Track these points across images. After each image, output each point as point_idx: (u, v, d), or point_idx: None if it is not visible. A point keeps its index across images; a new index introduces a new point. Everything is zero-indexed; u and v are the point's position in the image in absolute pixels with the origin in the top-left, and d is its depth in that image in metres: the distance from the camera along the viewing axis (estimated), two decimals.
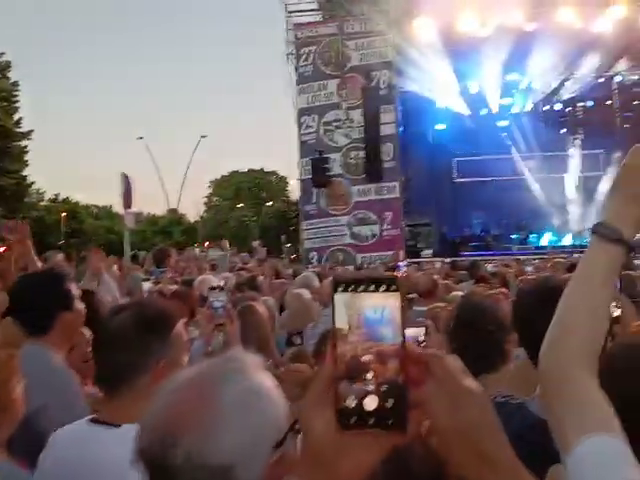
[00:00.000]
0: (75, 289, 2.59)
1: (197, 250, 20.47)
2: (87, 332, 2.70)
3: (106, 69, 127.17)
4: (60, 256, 7.01)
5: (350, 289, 0.71)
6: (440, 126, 24.40)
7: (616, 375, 1.11)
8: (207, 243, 34.32)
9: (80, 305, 2.56)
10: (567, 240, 23.03)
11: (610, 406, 0.89)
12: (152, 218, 48.06)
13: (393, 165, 20.15)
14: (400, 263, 8.48)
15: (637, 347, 1.21)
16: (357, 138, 20.13)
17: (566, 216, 23.96)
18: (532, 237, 23.30)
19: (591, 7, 18.31)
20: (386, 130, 19.86)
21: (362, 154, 20.09)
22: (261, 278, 7.00)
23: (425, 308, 4.51)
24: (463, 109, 23.25)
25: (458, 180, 25.58)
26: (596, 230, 0.99)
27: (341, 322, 0.71)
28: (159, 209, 52.01)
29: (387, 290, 0.70)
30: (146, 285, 4.92)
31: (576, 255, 12.09)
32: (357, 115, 19.99)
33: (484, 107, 23.57)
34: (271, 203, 43.38)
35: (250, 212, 40.93)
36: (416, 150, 24.14)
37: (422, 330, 2.26)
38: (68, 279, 2.65)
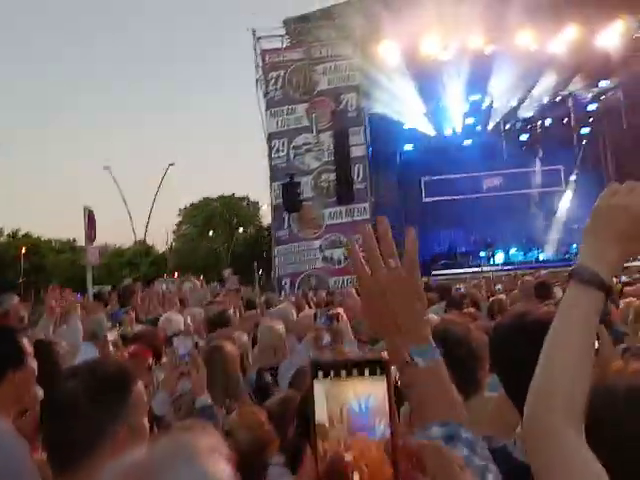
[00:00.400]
0: (27, 344, 2.29)
1: (163, 285, 19.87)
2: (41, 392, 2.33)
3: (70, 98, 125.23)
4: (15, 299, 6.50)
5: (331, 375, 0.63)
6: (408, 147, 24.93)
7: (601, 425, 1.07)
8: (176, 274, 33.78)
9: (32, 363, 2.27)
10: (532, 255, 23.54)
11: (597, 463, 0.88)
12: (118, 250, 47.06)
13: (363, 187, 20.29)
14: None
15: (619, 393, 1.16)
16: (327, 161, 20.25)
17: (531, 231, 24.54)
18: (499, 253, 23.76)
19: (546, 29, 19.07)
20: (356, 152, 20.06)
21: (333, 177, 20.18)
22: (231, 311, 6.72)
23: None
24: (429, 130, 23.84)
25: (427, 199, 26.00)
26: (575, 274, 0.99)
27: (321, 415, 0.62)
28: (126, 240, 51.24)
29: (373, 374, 0.63)
30: (110, 335, 4.54)
31: (543, 272, 12.31)
32: (326, 138, 20.17)
33: (449, 127, 24.21)
34: (243, 230, 43.14)
35: (221, 239, 40.45)
36: (385, 171, 24.51)
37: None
38: (19, 333, 2.37)
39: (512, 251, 24.09)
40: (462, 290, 8.31)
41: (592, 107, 26.14)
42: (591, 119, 26.68)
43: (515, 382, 1.37)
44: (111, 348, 4.10)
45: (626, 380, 1.18)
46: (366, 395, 0.62)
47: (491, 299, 6.74)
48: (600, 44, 19.50)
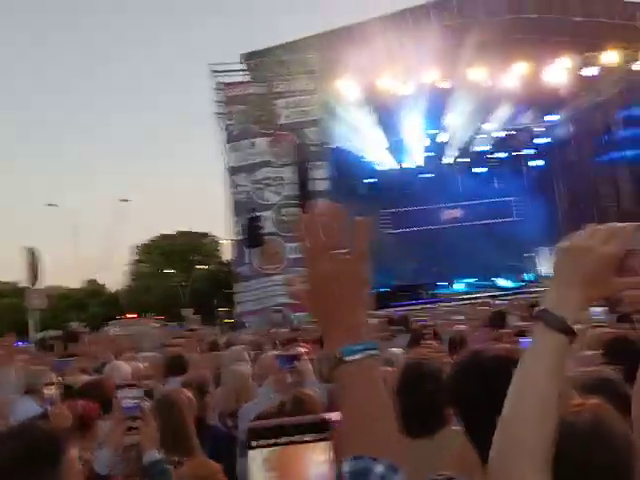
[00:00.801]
0: None
1: (113, 329, 19.02)
2: None
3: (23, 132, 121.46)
4: None
5: (269, 442, 0.58)
6: (369, 180, 25.16)
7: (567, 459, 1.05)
8: (130, 315, 32.61)
9: None
10: (489, 284, 23.93)
11: None
12: (65, 292, 45.12)
13: None
14: None
15: (580, 433, 1.13)
16: (288, 195, 20.11)
17: (487, 261, 24.99)
18: (457, 283, 24.04)
19: (497, 65, 19.81)
20: (318, 186, 20.00)
21: (294, 211, 19.99)
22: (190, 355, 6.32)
23: None
24: (390, 163, 24.19)
25: (388, 232, 26.22)
26: (540, 318, 0.98)
27: None
28: (76, 280, 49.37)
29: (315, 437, 0.59)
30: (47, 390, 4.11)
31: (498, 302, 12.52)
32: (287, 172, 20.08)
33: (409, 161, 24.64)
34: (202, 266, 42.14)
35: (180, 277, 39.32)
36: (347, 204, 24.57)
37: None
38: None
39: (470, 281, 24.48)
40: (424, 322, 8.17)
41: (542, 140, 27.23)
42: (541, 152, 27.79)
43: (473, 422, 1.36)
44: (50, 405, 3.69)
45: (590, 414, 1.20)
46: (307, 462, 0.59)
47: (452, 330, 6.66)
48: (549, 80, 20.39)
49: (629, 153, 23.33)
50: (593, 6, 19.59)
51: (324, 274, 0.97)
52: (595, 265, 0.97)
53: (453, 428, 2.03)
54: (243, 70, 20.69)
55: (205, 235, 45.44)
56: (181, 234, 44.61)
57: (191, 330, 14.28)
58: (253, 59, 20.17)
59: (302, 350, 4.11)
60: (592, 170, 25.75)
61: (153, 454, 2.40)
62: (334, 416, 0.80)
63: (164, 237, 44.89)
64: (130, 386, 2.56)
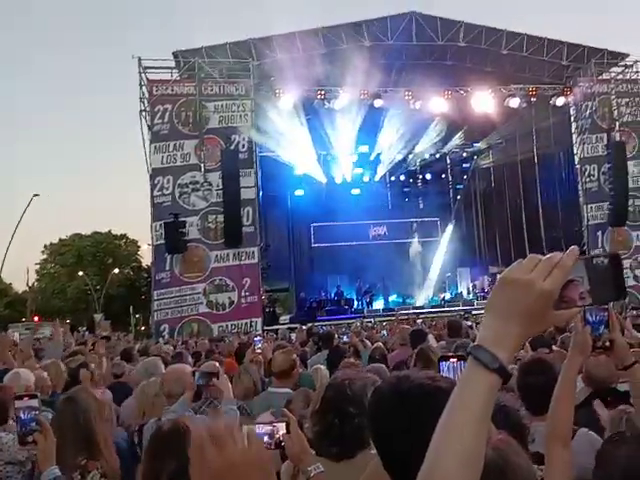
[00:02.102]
0: None
1: (16, 333, 17.49)
2: None
3: None
4: None
5: None
6: (299, 192, 25.02)
7: None
8: (37, 318, 30.53)
9: None
10: (411, 301, 24.45)
11: None
12: None
13: (252, 230, 19.69)
14: (256, 338, 8.01)
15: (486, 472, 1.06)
16: (215, 202, 19.43)
17: (410, 279, 25.49)
18: (379, 300, 24.41)
19: (428, 90, 20.31)
20: (246, 194, 19.45)
21: (221, 218, 19.31)
22: (93, 365, 5.71)
23: (282, 390, 4.16)
24: (320, 176, 24.13)
25: (315, 245, 26.13)
26: (474, 355, 0.94)
27: None
28: None
29: None
30: None
31: (419, 321, 12.69)
32: (215, 178, 19.37)
33: (339, 176, 24.71)
34: (119, 270, 39.88)
35: (94, 280, 37.05)
36: (275, 215, 24.36)
37: (281, 425, 1.94)
38: None
39: (393, 297, 24.92)
40: (345, 339, 8.28)
41: (466, 166, 28.27)
42: (465, 177, 28.92)
43: (389, 453, 1.33)
44: None
45: (495, 451, 1.25)
46: None
47: (372, 347, 6.78)
48: (475, 109, 21.08)
49: (546, 183, 24.63)
50: (521, 41, 20.49)
51: (227, 463, 0.94)
52: (535, 301, 0.93)
53: (373, 451, 1.83)
54: (173, 68, 19.86)
55: (123, 237, 43.36)
56: (97, 235, 42.25)
57: (103, 338, 13.42)
58: (184, 58, 19.40)
59: (218, 365, 3.92)
60: (511, 197, 27.01)
61: (52, 471, 2.27)
62: None
63: (77, 237, 42.26)
64: (30, 397, 2.38)
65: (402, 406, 1.32)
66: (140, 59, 18.76)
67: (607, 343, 1.89)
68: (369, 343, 7.61)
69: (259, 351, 6.44)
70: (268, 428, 1.91)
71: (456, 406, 0.93)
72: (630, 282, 21.34)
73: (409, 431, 1.24)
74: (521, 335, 0.95)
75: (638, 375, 1.97)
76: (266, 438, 1.89)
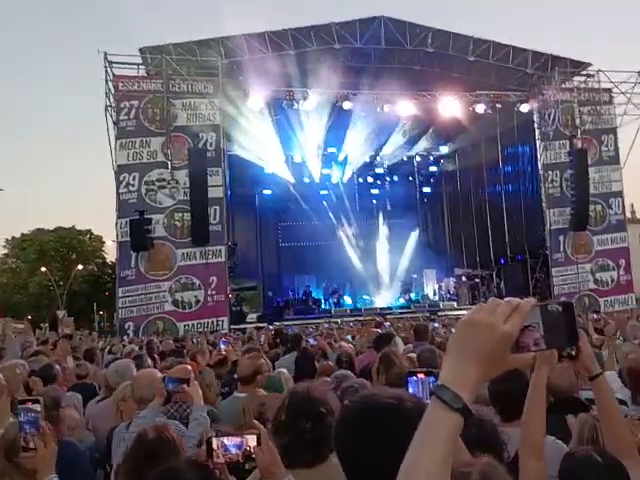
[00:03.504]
0: None
1: None
2: None
3: None
4: None
5: None
6: (267, 191, 24.96)
7: None
8: None
9: None
10: (378, 302, 24.59)
11: None
12: None
13: (220, 229, 19.55)
14: (222, 339, 7.97)
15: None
16: (183, 200, 19.21)
17: (377, 279, 25.68)
18: (348, 300, 24.49)
19: (397, 92, 20.47)
20: (213, 193, 19.27)
21: (188, 216, 19.11)
22: (59, 367, 5.53)
23: (244, 395, 4.09)
24: (288, 177, 24.11)
25: (283, 244, 26.11)
26: (437, 395, 0.96)
27: None
28: None
29: None
30: None
31: (387, 324, 12.89)
32: (183, 176, 19.14)
33: (307, 176, 24.75)
34: (82, 266, 38.94)
35: (56, 276, 36.10)
36: (243, 214, 24.25)
37: (251, 437, 1.89)
38: None
39: (360, 298, 24.99)
40: (312, 342, 8.15)
41: (433, 169, 28.61)
42: (432, 180, 29.27)
43: (356, 471, 1.33)
44: None
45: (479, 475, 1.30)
46: None
47: (339, 350, 6.72)
48: (442, 114, 21.36)
49: (510, 187, 25.13)
50: (487, 48, 20.82)
51: None
52: (496, 343, 0.96)
53: (335, 461, 1.85)
54: (140, 64, 19.53)
55: (87, 233, 42.41)
56: (60, 230, 41.22)
57: (65, 336, 13.17)
58: (151, 54, 19.10)
59: (190, 369, 3.75)
60: (476, 201, 27.44)
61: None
62: None
63: (40, 232, 41.12)
64: (33, 401, 2.26)
65: (368, 425, 1.33)
66: (106, 54, 18.41)
67: (573, 352, 1.88)
68: (338, 345, 7.60)
69: (223, 353, 6.46)
70: (237, 440, 1.88)
71: (420, 444, 0.95)
72: (591, 285, 21.99)
73: (375, 450, 1.25)
74: (481, 376, 0.98)
75: (603, 386, 1.97)
76: (234, 450, 1.87)
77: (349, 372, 4.21)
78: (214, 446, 1.88)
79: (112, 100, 18.84)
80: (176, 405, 3.42)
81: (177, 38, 19.00)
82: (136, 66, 19.45)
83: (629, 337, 6.20)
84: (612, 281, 22.27)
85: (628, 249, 22.80)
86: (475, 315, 1.00)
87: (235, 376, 4.96)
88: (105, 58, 18.46)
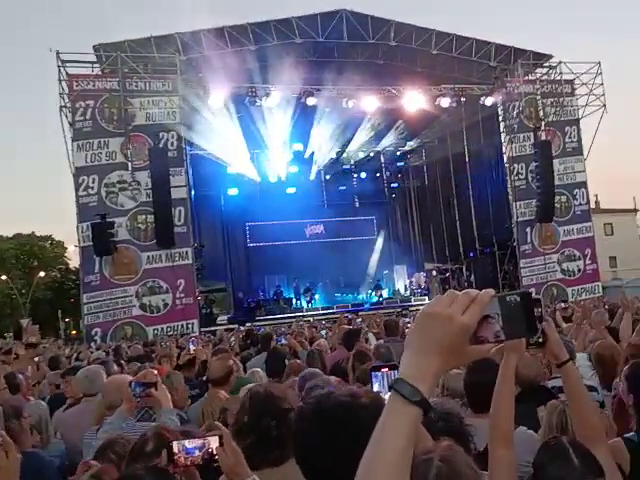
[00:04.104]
0: None
1: None
2: None
3: None
4: None
5: None
6: (232, 191, 24.58)
7: None
8: None
9: None
10: (350, 299, 24.56)
11: None
12: None
13: (185, 230, 19.18)
14: (191, 340, 7.85)
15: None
16: (145, 201, 18.75)
17: (349, 277, 25.58)
18: (319, 298, 24.36)
19: (361, 87, 20.30)
20: (176, 194, 18.85)
21: (151, 218, 18.68)
22: (22, 376, 5.37)
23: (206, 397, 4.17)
24: (254, 175, 23.74)
25: (251, 244, 25.79)
26: (395, 389, 0.96)
27: None
28: None
29: None
30: None
31: (359, 321, 12.82)
32: (144, 177, 18.66)
33: (273, 174, 24.40)
34: (45, 273, 37.76)
35: (18, 284, 34.93)
36: (208, 215, 23.84)
37: (214, 439, 1.88)
38: None
39: (333, 295, 24.88)
40: (283, 341, 8.07)
41: (400, 164, 28.58)
42: (399, 175, 29.26)
43: (314, 470, 1.33)
44: None
45: (441, 460, 1.36)
46: None
47: (310, 348, 6.78)
48: (407, 108, 21.27)
49: (477, 181, 25.17)
50: (450, 41, 20.79)
51: None
52: (454, 334, 0.97)
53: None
54: (94, 62, 18.94)
55: (48, 239, 41.30)
56: (19, 237, 39.95)
57: (29, 345, 12.80)
58: (106, 52, 18.52)
59: (157, 373, 3.68)
60: (443, 195, 27.52)
61: None
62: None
63: None
64: None
65: (324, 424, 1.32)
66: (58, 52, 17.88)
67: (540, 340, 1.90)
68: (316, 343, 7.57)
69: (192, 353, 6.39)
70: (199, 442, 1.87)
71: (380, 439, 0.95)
72: (558, 276, 22.27)
73: (332, 449, 1.26)
74: (441, 368, 0.98)
75: (572, 372, 1.98)
76: (197, 452, 1.86)
77: (317, 370, 4.13)
78: (175, 450, 1.87)
79: (67, 100, 18.29)
80: (142, 411, 3.36)
81: (133, 35, 18.39)
82: (90, 64, 18.87)
83: (595, 324, 6.14)
84: (579, 271, 22.57)
85: (593, 239, 23.16)
86: (433, 307, 1.00)
87: (204, 378, 5.11)
88: (58, 57, 17.91)
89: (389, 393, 0.99)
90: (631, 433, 2.50)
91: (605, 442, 2.02)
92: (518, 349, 1.97)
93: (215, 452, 1.86)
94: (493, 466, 1.94)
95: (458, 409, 2.30)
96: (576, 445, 1.86)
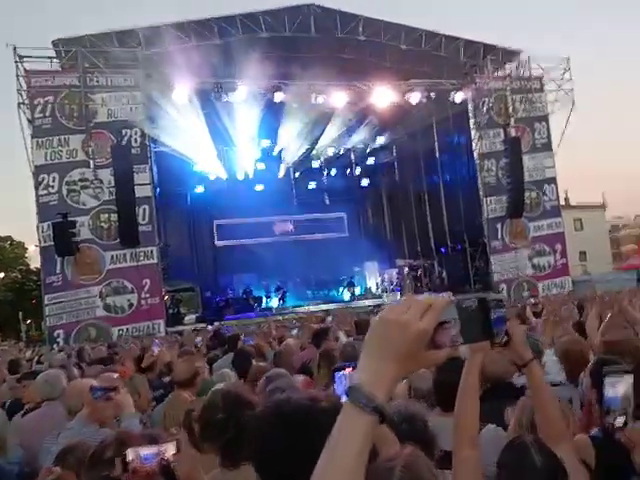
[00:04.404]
0: None
1: None
2: None
3: None
4: None
5: None
6: (199, 189, 24.10)
7: None
8: None
9: None
10: (321, 296, 24.37)
11: None
12: None
13: (150, 229, 18.79)
14: (154, 342, 7.64)
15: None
16: (108, 200, 18.27)
17: (319, 274, 25.40)
18: (289, 296, 24.11)
19: (330, 83, 19.98)
20: (141, 192, 18.41)
21: (115, 217, 18.22)
22: None
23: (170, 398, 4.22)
24: (221, 172, 23.29)
25: (219, 243, 25.38)
26: (350, 396, 0.96)
27: None
28: None
29: None
30: None
31: (329, 319, 12.79)
32: (107, 175, 18.18)
33: (241, 171, 23.98)
34: (4, 274, 36.69)
35: None
36: (174, 213, 23.38)
37: (170, 445, 1.85)
38: None
39: (303, 294, 24.61)
40: (250, 341, 8.03)
41: (371, 161, 28.42)
42: (370, 172, 29.13)
43: (274, 475, 1.31)
44: None
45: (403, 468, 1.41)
46: None
47: (278, 348, 6.66)
48: (377, 104, 21.06)
49: (448, 177, 25.22)
50: (419, 37, 20.60)
51: None
52: (411, 340, 0.97)
53: None
54: (53, 58, 18.21)
55: (7, 239, 40.29)
56: None
57: None
58: (65, 47, 17.82)
59: (118, 377, 3.70)
60: (414, 191, 27.48)
61: None
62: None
63: None
64: None
65: (283, 429, 1.32)
66: (15, 47, 17.25)
67: (504, 340, 1.89)
68: (285, 342, 7.42)
69: (156, 355, 6.36)
70: (155, 449, 1.84)
71: (335, 445, 0.95)
72: (529, 271, 22.46)
73: (292, 453, 1.26)
74: (397, 375, 0.99)
75: (536, 371, 1.99)
76: (153, 460, 1.83)
77: (283, 370, 4.02)
78: (129, 458, 1.82)
79: (25, 97, 17.73)
80: None
81: (93, 29, 17.83)
82: (49, 60, 18.18)
83: (563, 320, 6.29)
84: (549, 266, 22.80)
85: (563, 234, 23.44)
86: (389, 314, 1.00)
87: (166, 379, 5.14)
88: (15, 52, 17.27)
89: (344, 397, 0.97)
90: (596, 429, 2.52)
91: (569, 440, 2.03)
92: (482, 349, 1.96)
93: (171, 459, 1.83)
94: (457, 466, 1.94)
95: (423, 412, 2.29)
96: (539, 444, 1.85)
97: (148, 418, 4.03)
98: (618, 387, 2.30)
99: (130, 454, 1.83)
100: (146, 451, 1.83)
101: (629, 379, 2.29)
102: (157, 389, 5.10)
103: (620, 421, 2.27)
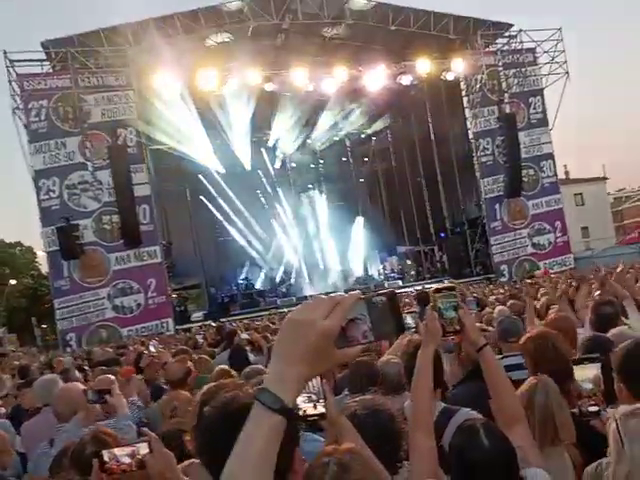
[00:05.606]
0: None
1: None
2: None
3: None
4: None
5: None
6: (197, 185, 24.09)
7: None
8: None
9: None
10: (324, 287, 24.19)
11: None
12: None
13: (151, 228, 18.85)
14: (151, 342, 7.73)
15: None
16: (109, 201, 18.36)
17: (322, 264, 25.30)
18: (293, 288, 23.93)
19: (320, 71, 19.86)
20: (140, 191, 18.50)
21: (117, 218, 18.29)
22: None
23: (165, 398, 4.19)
24: (218, 167, 23.26)
25: (221, 238, 25.41)
26: (257, 397, 0.98)
27: None
28: None
29: None
30: None
31: None
32: (105, 176, 18.24)
33: (238, 165, 23.92)
34: (17, 281, 36.88)
35: None
36: (175, 211, 23.40)
37: (143, 445, 1.89)
38: None
39: (307, 285, 24.54)
40: (245, 335, 8.03)
41: (366, 148, 28.24)
42: (366, 158, 28.86)
43: (218, 470, 1.24)
44: None
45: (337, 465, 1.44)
46: None
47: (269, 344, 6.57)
48: (369, 89, 20.90)
49: (443, 159, 24.92)
50: (407, 16, 20.29)
51: None
52: (317, 339, 0.97)
53: None
54: (44, 60, 18.30)
55: (17, 245, 40.49)
56: None
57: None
58: (55, 48, 17.87)
59: (113, 379, 3.71)
60: (411, 176, 27.15)
61: None
62: None
63: None
64: None
65: (230, 427, 1.29)
66: (6, 52, 17.39)
67: (457, 327, 1.94)
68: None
69: (153, 355, 6.38)
70: (128, 450, 1.89)
71: (243, 445, 0.98)
72: (529, 250, 22.16)
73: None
74: (306, 374, 1.00)
75: (489, 357, 2.02)
76: (128, 459, 1.87)
77: (260, 367, 4.02)
78: (105, 458, 1.89)
79: (19, 101, 17.82)
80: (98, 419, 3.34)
81: (81, 28, 17.78)
82: (40, 63, 18.28)
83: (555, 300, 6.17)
84: (549, 244, 22.49)
85: (562, 211, 23.04)
86: (296, 314, 1.01)
87: (163, 381, 5.12)
88: (5, 57, 17.40)
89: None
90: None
91: (524, 422, 2.06)
92: (434, 339, 2.01)
93: (144, 459, 1.87)
94: (413, 453, 1.99)
95: (388, 405, 2.32)
96: (489, 427, 1.88)
97: (145, 417, 4.03)
98: (588, 373, 2.39)
99: (106, 455, 1.90)
100: (120, 451, 1.89)
101: (597, 367, 2.37)
102: (154, 388, 5.16)
103: (594, 409, 2.35)
